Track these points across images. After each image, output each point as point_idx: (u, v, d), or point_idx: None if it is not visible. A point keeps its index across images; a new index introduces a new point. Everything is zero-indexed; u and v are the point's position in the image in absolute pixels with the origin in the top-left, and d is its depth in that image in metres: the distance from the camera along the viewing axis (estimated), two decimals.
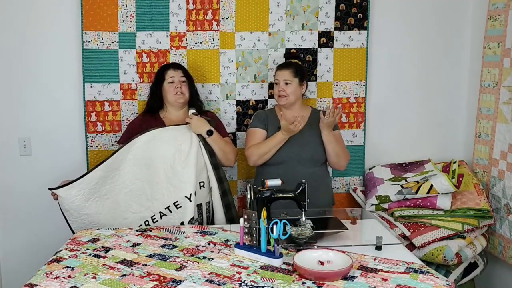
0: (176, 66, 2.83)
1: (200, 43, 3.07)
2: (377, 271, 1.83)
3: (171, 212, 2.47)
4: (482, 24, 3.07)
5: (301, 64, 2.90)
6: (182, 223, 2.46)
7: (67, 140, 3.10)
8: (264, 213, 1.89)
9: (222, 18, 3.06)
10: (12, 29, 2.97)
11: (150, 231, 2.30)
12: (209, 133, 2.62)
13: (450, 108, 3.34)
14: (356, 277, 1.78)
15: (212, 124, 2.66)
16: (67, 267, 1.89)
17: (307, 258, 1.85)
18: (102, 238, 2.21)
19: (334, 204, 2.96)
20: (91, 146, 3.06)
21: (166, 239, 2.20)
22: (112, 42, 3.00)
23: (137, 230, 2.31)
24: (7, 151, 3.08)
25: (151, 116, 2.79)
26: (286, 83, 2.77)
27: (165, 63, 3.02)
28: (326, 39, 3.15)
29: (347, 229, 2.25)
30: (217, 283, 1.75)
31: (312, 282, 1.73)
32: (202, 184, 2.59)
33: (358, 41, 3.17)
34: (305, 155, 2.73)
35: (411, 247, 2.77)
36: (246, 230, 1.97)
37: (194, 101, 2.84)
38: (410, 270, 1.83)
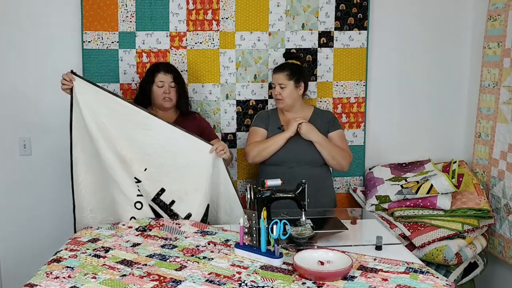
0: (167, 69, 2.77)
1: (200, 43, 3.07)
2: (377, 271, 1.83)
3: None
4: (482, 24, 3.07)
5: (299, 64, 2.86)
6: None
7: (67, 140, 3.09)
8: (264, 213, 1.89)
9: (222, 18, 3.06)
10: (12, 29, 2.97)
11: (150, 230, 2.31)
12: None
13: (450, 108, 3.34)
14: (356, 277, 1.78)
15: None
16: (67, 267, 1.89)
17: (307, 258, 1.85)
18: (102, 238, 2.21)
19: (336, 206, 2.95)
20: None
21: (166, 239, 2.20)
22: (112, 42, 3.00)
23: (136, 230, 2.31)
24: (7, 151, 3.08)
25: None
26: (281, 87, 2.76)
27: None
28: (326, 39, 3.15)
29: (347, 229, 2.25)
30: (217, 283, 1.75)
31: (312, 282, 1.73)
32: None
33: (358, 41, 3.17)
34: (303, 157, 2.73)
35: (411, 247, 2.77)
36: (246, 230, 1.97)
37: (181, 103, 2.83)
38: (410, 270, 1.83)
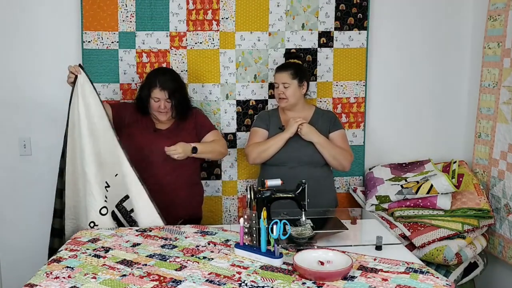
0: (164, 86, 2.63)
1: (200, 43, 3.07)
2: (377, 271, 1.83)
3: None
4: (482, 24, 3.08)
5: (301, 63, 2.87)
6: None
7: None
8: (264, 213, 1.89)
9: (222, 18, 3.06)
10: (12, 29, 2.97)
11: (150, 231, 2.31)
12: (194, 150, 2.61)
13: (450, 108, 3.34)
14: (356, 277, 1.78)
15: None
16: (67, 267, 1.89)
17: (307, 258, 1.85)
18: (102, 238, 2.21)
19: (337, 206, 2.95)
20: None
21: (166, 239, 2.20)
22: (112, 42, 3.00)
23: (137, 230, 2.31)
24: (7, 151, 3.08)
25: (142, 116, 2.75)
26: (285, 86, 2.76)
27: (161, 65, 3.02)
28: (326, 39, 3.15)
29: (347, 229, 2.25)
30: (217, 283, 1.75)
31: (312, 282, 1.73)
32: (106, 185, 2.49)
33: (358, 41, 3.17)
34: (304, 157, 2.73)
35: (411, 247, 2.77)
36: (246, 230, 1.97)
37: (179, 113, 2.75)
38: (410, 270, 1.83)
